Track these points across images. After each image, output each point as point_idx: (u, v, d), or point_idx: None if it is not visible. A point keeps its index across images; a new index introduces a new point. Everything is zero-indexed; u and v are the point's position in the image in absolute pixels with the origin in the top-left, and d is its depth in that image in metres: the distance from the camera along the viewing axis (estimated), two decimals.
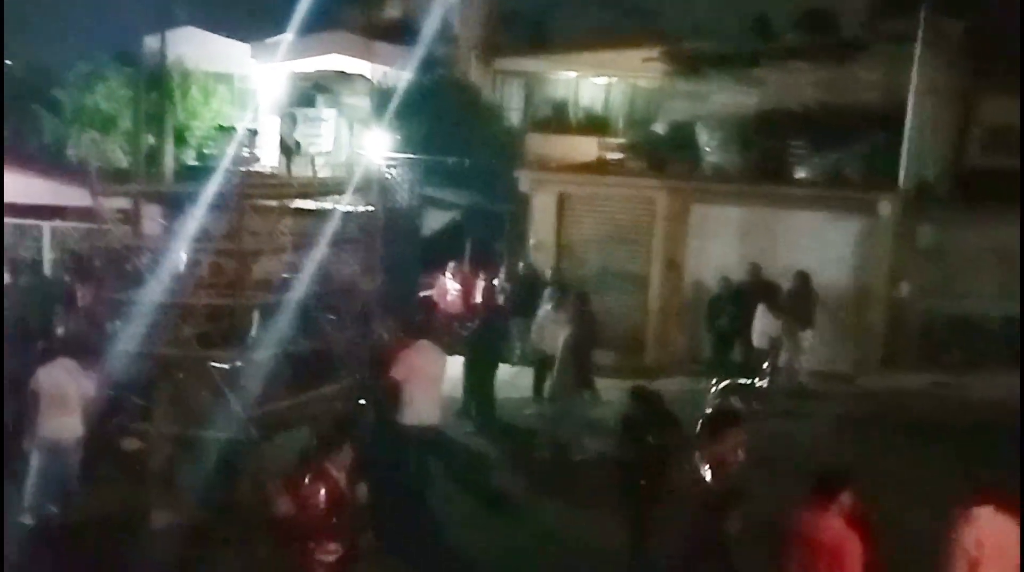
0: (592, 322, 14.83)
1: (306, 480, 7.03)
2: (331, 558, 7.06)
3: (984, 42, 18.13)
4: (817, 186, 17.09)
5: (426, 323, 12.82)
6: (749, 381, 14.82)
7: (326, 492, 6.98)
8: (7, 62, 27.56)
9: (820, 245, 16.51)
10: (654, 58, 21.08)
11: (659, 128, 19.73)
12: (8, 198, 17.63)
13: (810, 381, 15.68)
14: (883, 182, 16.69)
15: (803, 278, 15.43)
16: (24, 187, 17.37)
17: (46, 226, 17.57)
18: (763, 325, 15.00)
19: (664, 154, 18.73)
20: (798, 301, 15.34)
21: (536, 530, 10.17)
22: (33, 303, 16.16)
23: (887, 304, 16.62)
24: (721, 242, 17.36)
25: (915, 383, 15.68)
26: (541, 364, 14.96)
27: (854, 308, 16.67)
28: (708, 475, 7.75)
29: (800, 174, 17.45)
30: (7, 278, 16.28)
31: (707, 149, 18.18)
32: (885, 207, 16.42)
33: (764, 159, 17.77)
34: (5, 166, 18.10)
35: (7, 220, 17.58)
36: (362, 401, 10.70)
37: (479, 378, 14.46)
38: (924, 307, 16.68)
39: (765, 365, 15.31)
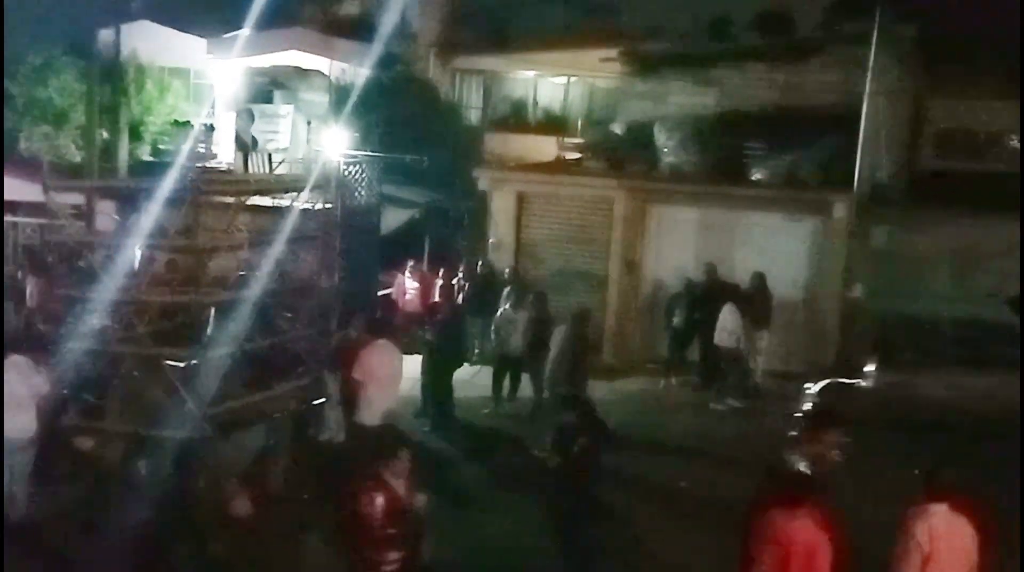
0: (549, 322, 14.88)
1: (364, 489, 6.87)
2: (391, 568, 6.92)
3: (936, 46, 18.41)
4: (773, 187, 17.24)
5: (384, 322, 12.78)
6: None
7: (384, 501, 6.84)
8: None
9: (775, 246, 16.66)
10: (612, 58, 21.15)
11: (617, 128, 19.81)
12: None
13: (764, 381, 15.82)
14: (838, 184, 16.87)
15: (760, 278, 15.55)
16: None
17: None
18: (728, 323, 15.04)
19: (622, 154, 18.80)
20: (755, 301, 15.46)
21: (492, 530, 10.15)
22: None
23: (841, 304, 16.79)
24: (678, 242, 17.46)
25: (868, 383, 15.84)
26: (500, 363, 14.98)
27: (808, 308, 16.84)
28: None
29: (756, 175, 17.59)
30: None
31: (664, 150, 18.28)
32: (840, 209, 16.59)
33: (721, 160, 17.89)
34: None
35: None
36: (319, 400, 10.64)
37: (438, 377, 14.42)
38: (877, 307, 16.87)
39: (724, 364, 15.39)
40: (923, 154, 18.61)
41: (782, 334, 16.16)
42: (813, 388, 12.19)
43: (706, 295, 15.92)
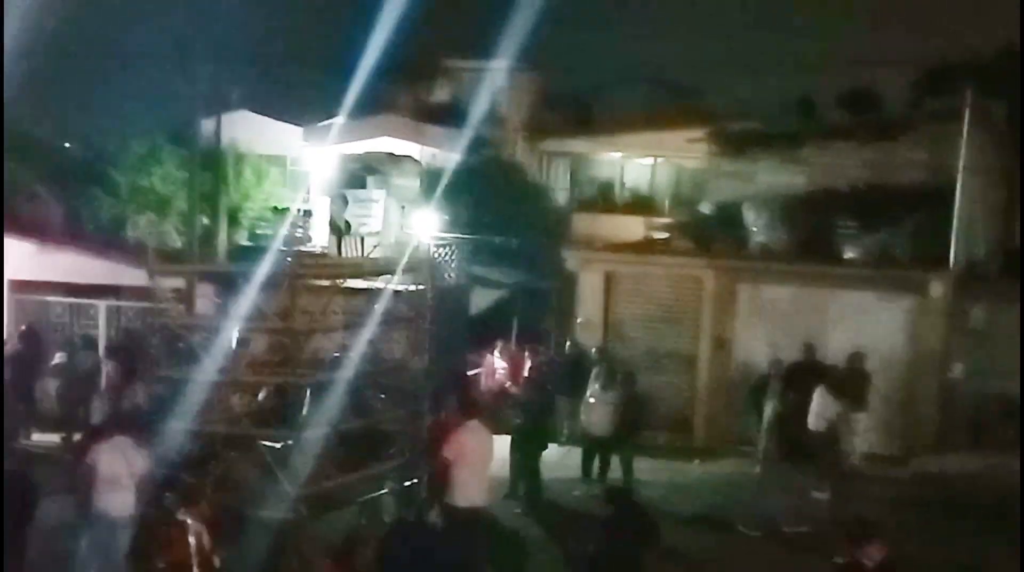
0: (640, 403, 14.83)
1: None
2: None
3: None
4: (866, 266, 17.01)
5: (474, 403, 12.84)
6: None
7: None
8: (66, 144, 28.44)
9: (870, 325, 16.38)
10: (699, 138, 21.25)
11: (705, 208, 19.81)
12: (65, 277, 18.03)
13: (861, 464, 15.41)
14: (933, 261, 16.59)
15: (859, 359, 15.28)
16: (81, 266, 17.76)
17: (102, 305, 17.89)
18: (820, 407, 14.71)
19: (711, 233, 18.77)
20: (852, 383, 15.14)
21: None
22: (89, 381, 16.43)
23: (939, 385, 16.39)
24: (769, 322, 17.29)
25: (967, 465, 15.37)
26: (589, 444, 14.90)
27: (905, 390, 16.46)
28: None
29: (848, 253, 17.39)
30: (63, 357, 16.57)
31: (754, 228, 18.21)
32: (936, 287, 16.28)
33: (811, 238, 17.75)
34: (64, 246, 18.56)
35: (64, 299, 17.97)
36: (412, 481, 10.70)
37: (526, 458, 14.41)
38: (976, 388, 16.41)
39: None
40: (1019, 230, 18.18)
41: (878, 416, 15.79)
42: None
43: (801, 375, 15.68)
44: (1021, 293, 15.74)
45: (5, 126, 24.75)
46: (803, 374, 15.69)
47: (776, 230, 18.04)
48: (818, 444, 14.69)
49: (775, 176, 19.26)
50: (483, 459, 11.02)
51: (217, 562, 9.24)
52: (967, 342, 16.48)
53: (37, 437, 16.30)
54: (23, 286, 17.99)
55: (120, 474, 9.86)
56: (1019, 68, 18.05)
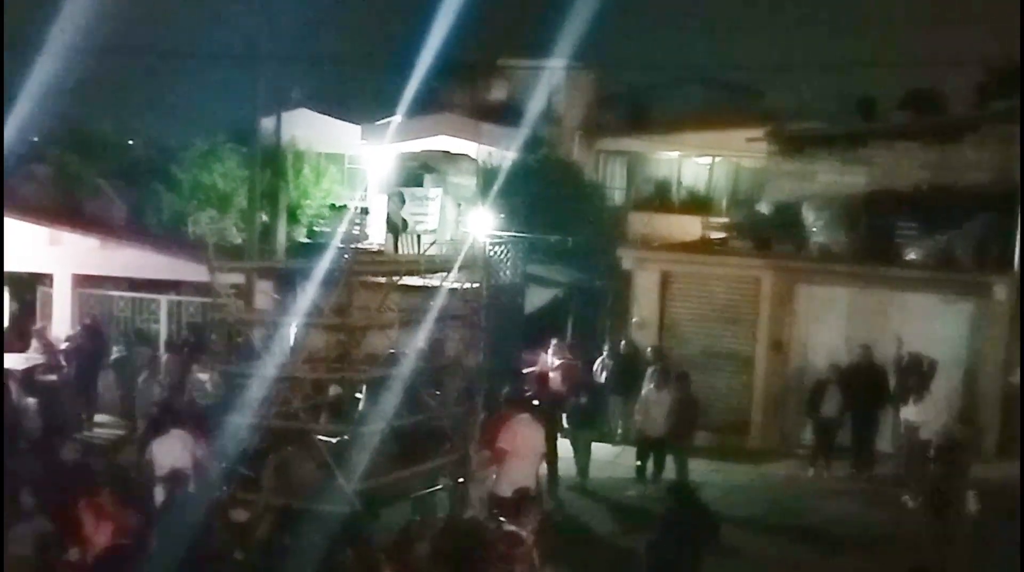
0: (695, 403, 14.77)
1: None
2: None
3: None
4: (927, 268, 16.75)
5: (526, 398, 12.88)
6: None
7: None
8: (129, 141, 28.92)
9: (932, 328, 16.12)
10: (758, 138, 21.05)
11: (764, 208, 19.61)
12: (127, 272, 18.36)
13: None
14: (996, 264, 16.29)
15: (920, 361, 15.08)
16: (143, 262, 18.05)
17: (163, 300, 18.18)
18: (915, 414, 14.47)
19: (769, 233, 18.57)
20: (915, 385, 14.93)
21: None
22: (149, 374, 16.71)
23: (1002, 390, 16.08)
24: (828, 323, 17.08)
25: None
26: (643, 444, 14.86)
27: (967, 394, 16.18)
28: None
29: (909, 255, 17.13)
30: (124, 351, 16.86)
31: (813, 229, 17.99)
32: (1000, 290, 15.97)
33: (872, 240, 17.51)
34: (126, 241, 18.87)
35: (127, 294, 18.29)
36: (462, 479, 10.74)
37: (577, 456, 14.47)
38: None
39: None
40: (1019, 231, 17.77)
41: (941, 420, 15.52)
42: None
43: (856, 379, 15.51)
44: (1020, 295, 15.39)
45: (69, 123, 25.32)
46: (858, 377, 15.55)
47: (836, 231, 17.81)
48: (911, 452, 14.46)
49: (836, 176, 19.01)
50: (533, 452, 11.15)
51: (273, 554, 9.38)
52: None
53: (99, 430, 16.63)
54: (86, 281, 18.34)
55: (178, 467, 10.03)
56: None
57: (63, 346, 17.01)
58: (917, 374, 14.96)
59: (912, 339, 15.78)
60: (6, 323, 18.78)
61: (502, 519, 9.13)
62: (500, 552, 8.35)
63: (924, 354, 15.16)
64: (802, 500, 14.48)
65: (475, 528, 9.31)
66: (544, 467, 13.37)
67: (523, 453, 11.02)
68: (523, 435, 11.11)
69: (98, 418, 16.95)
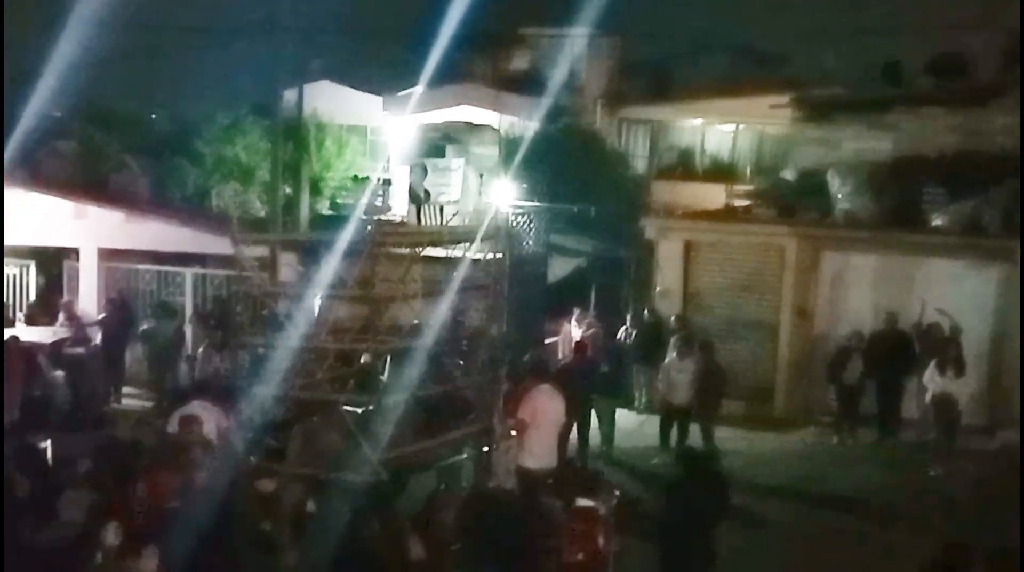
0: (718, 372, 14.76)
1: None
2: None
3: None
4: (953, 234, 16.60)
5: (548, 368, 12.90)
6: None
7: None
8: (152, 115, 28.99)
9: (958, 294, 16.02)
10: (782, 105, 20.87)
11: (788, 175, 19.48)
12: (152, 246, 18.46)
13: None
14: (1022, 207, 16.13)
15: (955, 332, 15.02)
16: (167, 235, 18.15)
17: (188, 273, 18.28)
18: (932, 383, 14.44)
19: (794, 201, 18.46)
20: (941, 351, 14.87)
21: None
22: (175, 347, 16.83)
23: None
24: (854, 291, 17.00)
25: None
26: (667, 413, 14.88)
27: (993, 360, 16.07)
28: None
29: (936, 221, 16.99)
30: (152, 323, 16.98)
31: (839, 196, 17.86)
32: None
33: (898, 206, 17.37)
34: (151, 215, 18.98)
35: (153, 268, 18.40)
36: (490, 447, 10.79)
37: (601, 425, 14.51)
38: None
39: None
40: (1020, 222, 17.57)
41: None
42: None
43: (886, 345, 15.45)
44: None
45: (92, 98, 25.38)
46: (886, 344, 15.49)
47: (861, 197, 17.66)
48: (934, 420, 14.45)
49: (861, 142, 18.84)
50: (554, 422, 11.23)
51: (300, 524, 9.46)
52: None
53: (127, 402, 16.80)
54: (112, 255, 18.47)
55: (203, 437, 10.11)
56: None
57: (95, 320, 17.18)
58: (953, 345, 14.89)
59: (939, 305, 15.70)
60: (33, 297, 18.99)
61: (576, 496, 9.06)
62: (577, 530, 8.26)
63: (957, 325, 15.06)
64: (827, 468, 14.48)
65: (500, 497, 9.39)
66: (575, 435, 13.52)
67: (543, 423, 11.10)
68: (543, 406, 11.19)
69: (126, 390, 17.12)
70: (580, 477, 10.01)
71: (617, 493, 9.55)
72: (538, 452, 11.00)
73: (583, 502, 8.63)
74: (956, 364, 14.44)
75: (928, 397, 14.64)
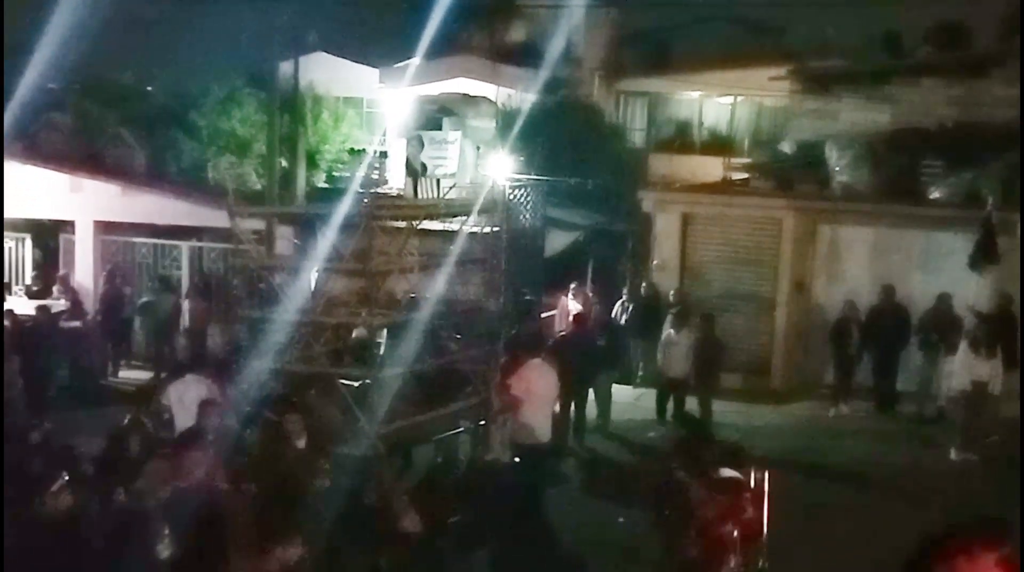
0: (716, 345, 14.76)
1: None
2: None
3: None
4: (952, 206, 16.56)
5: (542, 341, 12.91)
6: None
7: None
8: (148, 88, 28.81)
9: (956, 267, 15.99)
10: (781, 76, 20.77)
11: (786, 147, 19.42)
12: (149, 219, 18.43)
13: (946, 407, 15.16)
14: (1021, 202, 16.08)
15: (946, 300, 14.99)
16: (163, 208, 18.11)
17: (185, 246, 18.25)
18: (965, 365, 14.09)
19: (792, 174, 18.41)
20: (942, 325, 14.84)
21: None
22: (171, 320, 16.83)
23: None
24: (851, 263, 16.98)
25: None
26: (664, 386, 14.90)
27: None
28: None
29: (934, 194, 16.95)
30: (147, 297, 16.96)
31: (836, 168, 17.82)
32: None
33: (896, 178, 17.33)
34: (147, 188, 18.92)
35: (149, 241, 18.37)
36: (483, 422, 10.79)
37: (599, 399, 14.52)
38: None
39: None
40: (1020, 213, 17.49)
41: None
42: None
43: (879, 318, 15.44)
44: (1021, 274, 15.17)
45: (87, 71, 25.24)
46: (885, 316, 15.48)
47: (859, 170, 17.62)
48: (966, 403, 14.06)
49: (859, 114, 18.76)
50: (546, 397, 11.24)
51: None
52: None
53: (125, 374, 16.82)
54: (108, 227, 18.44)
55: (195, 412, 10.10)
56: None
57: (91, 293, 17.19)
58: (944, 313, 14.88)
59: (936, 277, 15.69)
60: (30, 270, 18.96)
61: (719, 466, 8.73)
62: (725, 503, 7.80)
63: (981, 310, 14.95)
64: (824, 440, 14.51)
65: (496, 471, 9.40)
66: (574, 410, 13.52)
67: (534, 398, 11.10)
68: (535, 380, 11.18)
69: (122, 363, 17.13)
70: (717, 447, 9.47)
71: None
72: (532, 427, 11.00)
73: (727, 472, 8.22)
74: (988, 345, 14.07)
75: (960, 381, 14.23)
